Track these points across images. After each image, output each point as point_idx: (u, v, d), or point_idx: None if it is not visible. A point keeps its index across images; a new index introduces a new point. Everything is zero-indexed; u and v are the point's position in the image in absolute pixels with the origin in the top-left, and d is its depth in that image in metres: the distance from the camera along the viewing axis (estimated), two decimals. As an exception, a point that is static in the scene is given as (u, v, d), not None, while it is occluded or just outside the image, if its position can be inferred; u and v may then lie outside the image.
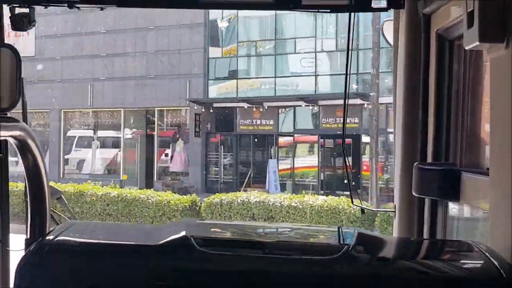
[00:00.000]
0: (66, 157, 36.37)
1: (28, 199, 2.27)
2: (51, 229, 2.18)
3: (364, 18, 25.56)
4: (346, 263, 1.86)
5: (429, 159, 2.92)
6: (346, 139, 29.64)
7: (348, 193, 26.75)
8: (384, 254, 2.00)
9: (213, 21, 32.40)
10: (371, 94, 24.44)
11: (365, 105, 28.36)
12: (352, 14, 3.15)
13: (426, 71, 2.94)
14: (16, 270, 1.83)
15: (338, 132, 29.21)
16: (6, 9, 3.23)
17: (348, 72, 3.30)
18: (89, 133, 36.46)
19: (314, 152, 31.49)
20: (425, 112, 2.94)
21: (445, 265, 1.99)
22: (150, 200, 19.73)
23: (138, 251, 1.92)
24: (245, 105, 31.54)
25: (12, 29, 3.20)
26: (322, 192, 27.36)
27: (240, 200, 18.80)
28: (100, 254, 1.91)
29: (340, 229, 2.38)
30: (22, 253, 1.93)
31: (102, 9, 3.37)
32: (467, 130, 2.77)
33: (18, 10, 3.17)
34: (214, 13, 31.23)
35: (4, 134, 2.17)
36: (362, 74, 28.71)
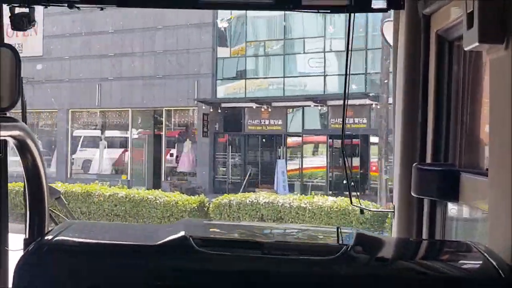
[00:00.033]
0: (72, 157, 36.34)
1: (27, 199, 2.27)
2: (50, 229, 2.21)
3: (373, 18, 25.45)
4: (345, 263, 1.86)
5: (429, 160, 2.93)
6: (354, 140, 29.86)
7: (356, 193, 26.67)
8: (383, 254, 2.01)
9: (222, 21, 32.27)
10: (381, 94, 24.29)
11: (373, 106, 28.25)
12: (352, 14, 3.14)
13: (426, 71, 2.95)
14: (15, 270, 1.83)
15: (347, 132, 29.10)
16: (6, 9, 3.21)
17: (348, 73, 3.30)
18: (95, 133, 36.40)
19: (323, 152, 31.36)
20: (425, 113, 2.95)
21: (444, 266, 2.00)
22: (158, 201, 19.63)
23: (137, 251, 1.93)
24: (254, 105, 31.45)
25: (12, 29, 3.19)
26: (331, 192, 27.25)
27: (249, 201, 18.68)
28: (98, 254, 1.92)
29: (339, 230, 2.37)
30: (21, 253, 1.94)
31: (102, 9, 3.37)
32: (466, 131, 2.78)
33: (18, 10, 3.17)
34: (222, 13, 31.11)
35: (4, 134, 2.17)
36: (371, 74, 28.58)
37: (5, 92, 2.23)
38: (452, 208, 2.86)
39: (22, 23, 3.14)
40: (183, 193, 21.35)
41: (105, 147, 36.05)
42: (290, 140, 31.97)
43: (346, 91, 3.43)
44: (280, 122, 31.63)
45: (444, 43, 2.86)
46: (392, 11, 3.24)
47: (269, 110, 31.59)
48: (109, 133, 36.17)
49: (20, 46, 34.99)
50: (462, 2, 2.18)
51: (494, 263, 1.84)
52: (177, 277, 1.84)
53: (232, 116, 32.49)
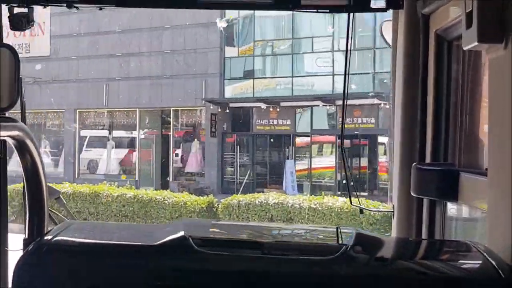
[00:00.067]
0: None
1: (27, 199, 2.28)
2: (49, 229, 2.20)
3: (381, 18, 25.28)
4: (345, 263, 1.86)
5: (428, 160, 2.93)
6: (362, 140, 29.76)
7: (365, 194, 26.77)
8: (382, 254, 2.00)
9: (229, 21, 32.19)
10: (389, 94, 24.13)
11: (382, 105, 28.13)
12: (352, 14, 3.17)
13: (425, 71, 2.96)
14: (14, 270, 1.83)
15: (356, 132, 28.99)
16: (6, 9, 3.21)
17: (347, 73, 3.34)
18: (102, 133, 36.37)
19: (331, 152, 31.24)
20: (424, 113, 2.96)
21: (443, 266, 2.00)
22: (166, 201, 19.52)
23: (136, 251, 1.93)
24: (262, 105, 31.34)
25: (11, 29, 3.20)
26: (339, 193, 27.10)
27: (258, 201, 18.53)
28: (98, 254, 1.92)
29: (339, 230, 2.36)
30: (21, 253, 1.94)
31: (100, 8, 3.38)
32: (465, 131, 2.79)
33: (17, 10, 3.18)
34: (230, 13, 31.01)
35: (3, 134, 2.18)
36: (379, 74, 28.46)
37: (4, 92, 2.24)
38: (451, 208, 2.86)
39: (21, 23, 3.15)
40: (191, 194, 21.24)
41: (112, 147, 36.00)
42: (299, 140, 31.85)
43: (346, 91, 3.46)
44: (288, 122, 31.52)
45: (443, 42, 2.87)
46: (391, 11, 3.23)
47: (278, 110, 31.50)
48: (116, 133, 36.13)
49: (27, 46, 35.02)
50: (461, 1, 2.17)
51: (494, 263, 1.83)
52: (176, 277, 1.84)
53: (240, 116, 32.40)
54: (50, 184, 2.64)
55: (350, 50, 3.30)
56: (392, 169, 3.30)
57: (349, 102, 27.92)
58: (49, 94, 35.12)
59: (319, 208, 17.62)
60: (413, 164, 2.86)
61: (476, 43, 2.03)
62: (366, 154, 30.39)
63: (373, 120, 29.33)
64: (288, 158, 31.19)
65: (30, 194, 2.27)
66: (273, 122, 31.90)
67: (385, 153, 28.71)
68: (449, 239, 2.81)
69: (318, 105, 30.30)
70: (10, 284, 1.85)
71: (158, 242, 1.90)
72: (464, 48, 2.19)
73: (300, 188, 29.38)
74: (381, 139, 28.83)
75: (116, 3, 3.21)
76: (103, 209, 20.19)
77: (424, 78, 2.96)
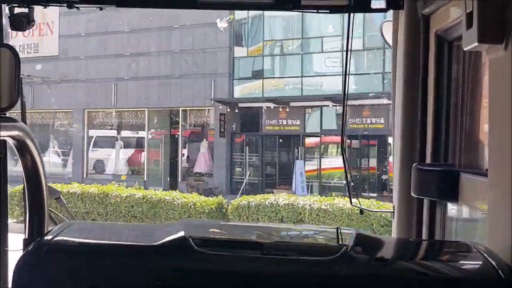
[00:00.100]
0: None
1: (27, 199, 2.29)
2: (49, 229, 2.21)
3: (390, 17, 25.14)
4: (345, 263, 1.86)
5: (428, 160, 2.94)
6: (371, 140, 29.63)
7: (374, 195, 26.67)
8: (382, 254, 2.01)
9: (238, 21, 32.10)
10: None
11: (391, 105, 27.95)
12: (352, 14, 3.19)
13: (425, 72, 2.97)
14: (14, 270, 1.83)
15: (365, 133, 28.86)
16: (6, 9, 3.24)
17: (347, 73, 3.38)
18: (111, 133, 36.34)
19: (341, 153, 31.07)
20: (424, 113, 2.98)
21: (443, 266, 2.01)
22: (175, 202, 19.43)
23: (136, 251, 1.94)
24: (271, 105, 31.25)
25: (11, 29, 3.23)
26: (349, 193, 26.90)
27: (268, 202, 18.41)
28: (98, 254, 1.93)
29: (339, 230, 2.36)
30: (21, 253, 1.95)
31: (101, 9, 3.42)
32: (466, 131, 2.80)
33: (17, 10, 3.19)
34: (239, 13, 30.92)
35: (3, 134, 2.19)
36: (388, 74, 28.31)
37: (4, 92, 2.25)
38: (451, 209, 2.88)
39: (21, 23, 3.17)
40: (200, 194, 21.16)
41: (121, 147, 35.96)
42: (308, 141, 31.73)
43: (346, 91, 3.50)
44: (298, 122, 31.40)
45: (444, 43, 2.87)
46: (391, 11, 3.24)
47: (287, 110, 31.39)
48: (125, 133, 36.10)
49: (36, 46, 35.03)
50: (461, 2, 2.17)
51: (494, 263, 1.84)
52: (176, 277, 1.85)
53: (249, 116, 32.29)
54: (51, 184, 2.65)
55: (351, 50, 3.33)
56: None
57: (358, 102, 27.97)
58: (57, 94, 35.13)
59: (330, 210, 17.49)
60: (414, 165, 2.87)
61: (476, 44, 2.03)
62: (375, 154, 30.26)
63: (382, 121, 29.19)
64: (297, 159, 31.06)
65: (30, 194, 2.28)
66: (282, 122, 31.79)
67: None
68: (449, 240, 2.82)
69: (327, 105, 30.17)
70: (10, 284, 1.85)
71: (158, 242, 1.91)
72: (465, 49, 2.19)
73: (309, 189, 29.26)
74: (390, 139, 28.67)
75: (116, 3, 3.23)
76: (112, 209, 20.12)
77: (424, 79, 2.97)
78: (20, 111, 3.06)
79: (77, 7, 3.21)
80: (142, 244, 2.01)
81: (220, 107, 31.96)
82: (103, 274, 1.86)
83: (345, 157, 3.84)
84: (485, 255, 1.92)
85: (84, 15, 32.43)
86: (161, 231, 2.07)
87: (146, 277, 1.83)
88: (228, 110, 32.11)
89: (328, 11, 3.26)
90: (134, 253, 1.92)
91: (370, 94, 26.47)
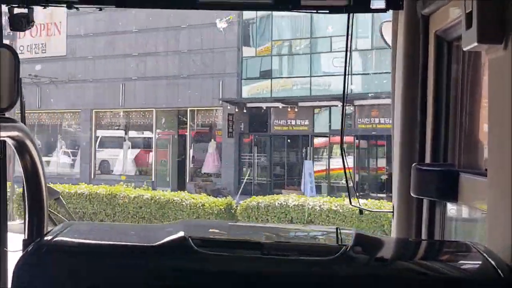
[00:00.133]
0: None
1: (26, 200, 2.29)
2: (49, 229, 2.20)
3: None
4: (344, 263, 1.86)
5: (428, 160, 2.95)
6: (380, 140, 29.50)
7: (383, 195, 26.54)
8: (382, 254, 2.01)
9: (247, 20, 32.01)
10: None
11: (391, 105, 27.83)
12: (351, 14, 3.20)
13: (425, 72, 2.98)
14: (14, 271, 1.83)
15: (373, 133, 28.72)
16: (6, 9, 3.24)
17: (347, 73, 3.37)
18: (118, 133, 36.30)
19: (349, 153, 30.96)
20: (424, 113, 2.99)
21: (443, 266, 2.01)
22: (184, 203, 19.33)
23: (136, 251, 1.93)
24: (280, 105, 31.16)
25: (11, 29, 3.23)
26: (357, 194, 26.79)
27: (278, 203, 18.30)
28: (98, 254, 1.93)
29: (339, 230, 2.34)
30: (20, 253, 1.94)
31: (101, 9, 3.43)
32: (465, 131, 2.81)
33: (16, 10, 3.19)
34: (247, 13, 30.83)
35: (3, 134, 2.19)
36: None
37: (4, 92, 2.27)
38: (451, 209, 2.88)
39: (21, 23, 3.17)
40: (208, 195, 21.07)
41: (129, 148, 35.91)
42: (317, 141, 31.65)
43: (345, 91, 3.51)
44: (306, 122, 31.30)
45: (443, 43, 2.88)
46: (391, 12, 3.24)
47: (296, 110, 31.30)
48: (132, 133, 36.05)
49: (43, 46, 35.02)
50: (461, 2, 2.17)
51: (493, 263, 1.84)
52: (176, 277, 1.85)
53: (258, 116, 32.20)
54: (50, 185, 2.65)
55: (350, 50, 3.34)
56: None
57: (367, 102, 27.82)
58: (65, 94, 35.09)
59: (340, 211, 17.38)
60: (413, 165, 2.88)
61: (476, 44, 2.03)
62: (384, 155, 30.13)
63: (390, 121, 28.98)
64: (306, 159, 30.95)
65: (30, 194, 2.28)
66: (290, 122, 31.69)
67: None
68: (448, 240, 2.83)
69: (336, 105, 30.05)
70: (9, 285, 1.85)
71: (158, 243, 1.91)
72: (464, 49, 2.19)
73: (318, 189, 29.15)
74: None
75: (116, 3, 3.24)
76: (120, 210, 20.04)
77: (424, 79, 2.97)
78: (20, 111, 3.06)
79: (77, 8, 3.22)
80: (142, 244, 2.02)
81: (228, 107, 31.88)
82: (103, 274, 1.86)
83: (344, 157, 3.85)
84: (485, 255, 1.92)
85: (92, 15, 32.39)
86: (161, 232, 2.09)
87: (146, 278, 1.84)
88: (236, 110, 32.02)
89: (327, 11, 3.26)
90: (134, 253, 1.92)
91: (377, 94, 26.31)
